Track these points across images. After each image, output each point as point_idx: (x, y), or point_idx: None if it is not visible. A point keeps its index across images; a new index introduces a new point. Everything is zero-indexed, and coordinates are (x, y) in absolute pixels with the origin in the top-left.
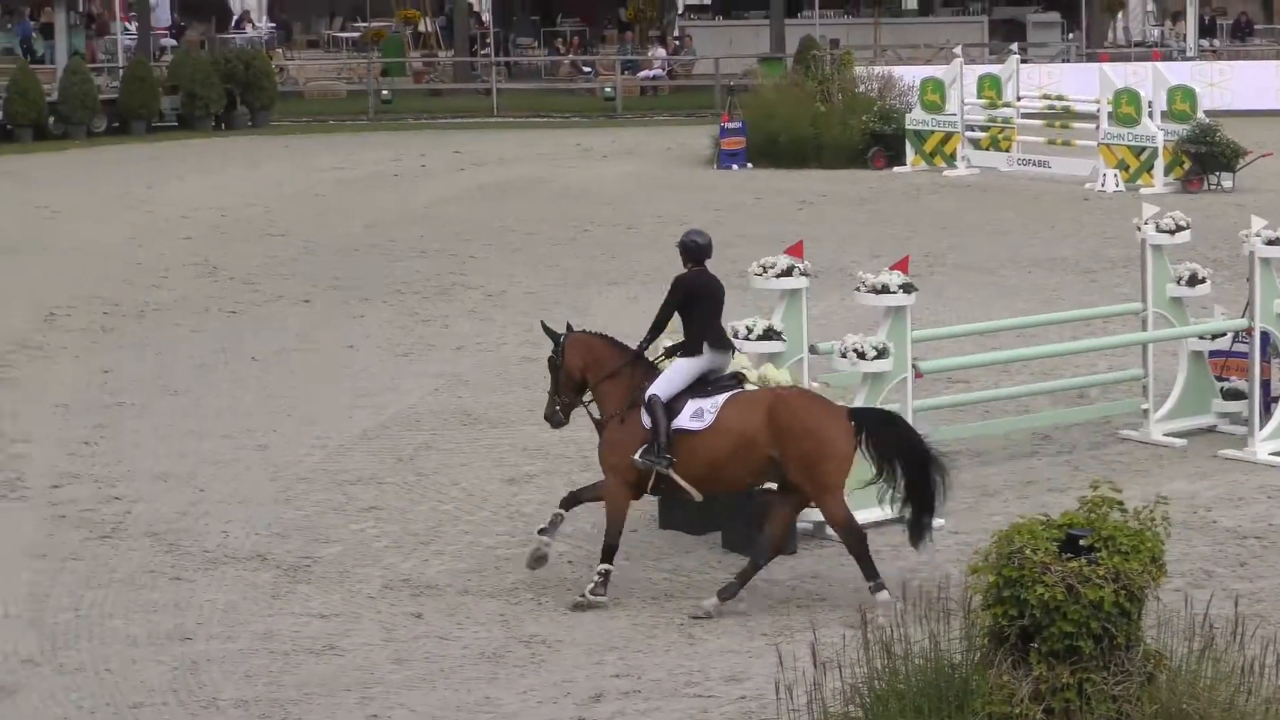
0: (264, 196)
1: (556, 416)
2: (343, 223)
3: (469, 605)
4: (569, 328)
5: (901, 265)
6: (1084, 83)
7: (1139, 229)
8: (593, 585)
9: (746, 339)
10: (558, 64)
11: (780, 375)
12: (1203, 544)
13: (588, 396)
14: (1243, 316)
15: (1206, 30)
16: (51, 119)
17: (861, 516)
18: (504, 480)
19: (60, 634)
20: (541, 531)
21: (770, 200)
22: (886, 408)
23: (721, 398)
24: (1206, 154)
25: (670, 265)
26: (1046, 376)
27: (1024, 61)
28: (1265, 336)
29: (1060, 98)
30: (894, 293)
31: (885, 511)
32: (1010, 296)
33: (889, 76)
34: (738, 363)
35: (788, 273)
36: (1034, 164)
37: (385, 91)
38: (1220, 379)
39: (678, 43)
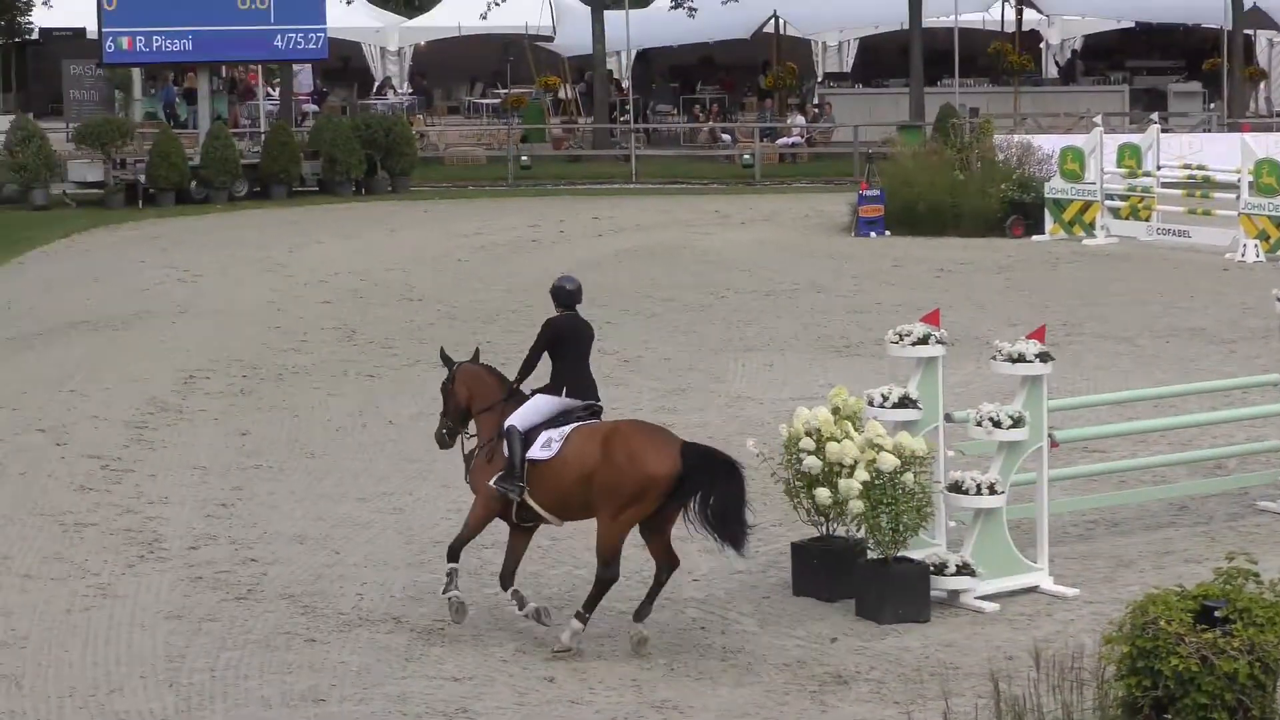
0: (403, 261)
1: (443, 438)
2: (482, 288)
3: (601, 670)
4: (475, 355)
5: (1038, 334)
6: (1225, 152)
7: (1278, 300)
8: (446, 584)
9: (882, 406)
10: (697, 131)
11: (915, 444)
12: None
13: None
14: None
15: None
16: (193, 183)
17: (1003, 585)
18: (637, 545)
19: (195, 694)
20: (445, 590)
21: (908, 268)
22: (721, 451)
23: (569, 428)
24: None
25: (808, 332)
26: (1184, 447)
27: (1164, 131)
28: None
29: (1201, 167)
30: (1030, 361)
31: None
32: (1148, 366)
33: (1028, 145)
34: (872, 430)
35: (924, 340)
36: (1174, 233)
37: (525, 157)
38: None
39: (817, 110)
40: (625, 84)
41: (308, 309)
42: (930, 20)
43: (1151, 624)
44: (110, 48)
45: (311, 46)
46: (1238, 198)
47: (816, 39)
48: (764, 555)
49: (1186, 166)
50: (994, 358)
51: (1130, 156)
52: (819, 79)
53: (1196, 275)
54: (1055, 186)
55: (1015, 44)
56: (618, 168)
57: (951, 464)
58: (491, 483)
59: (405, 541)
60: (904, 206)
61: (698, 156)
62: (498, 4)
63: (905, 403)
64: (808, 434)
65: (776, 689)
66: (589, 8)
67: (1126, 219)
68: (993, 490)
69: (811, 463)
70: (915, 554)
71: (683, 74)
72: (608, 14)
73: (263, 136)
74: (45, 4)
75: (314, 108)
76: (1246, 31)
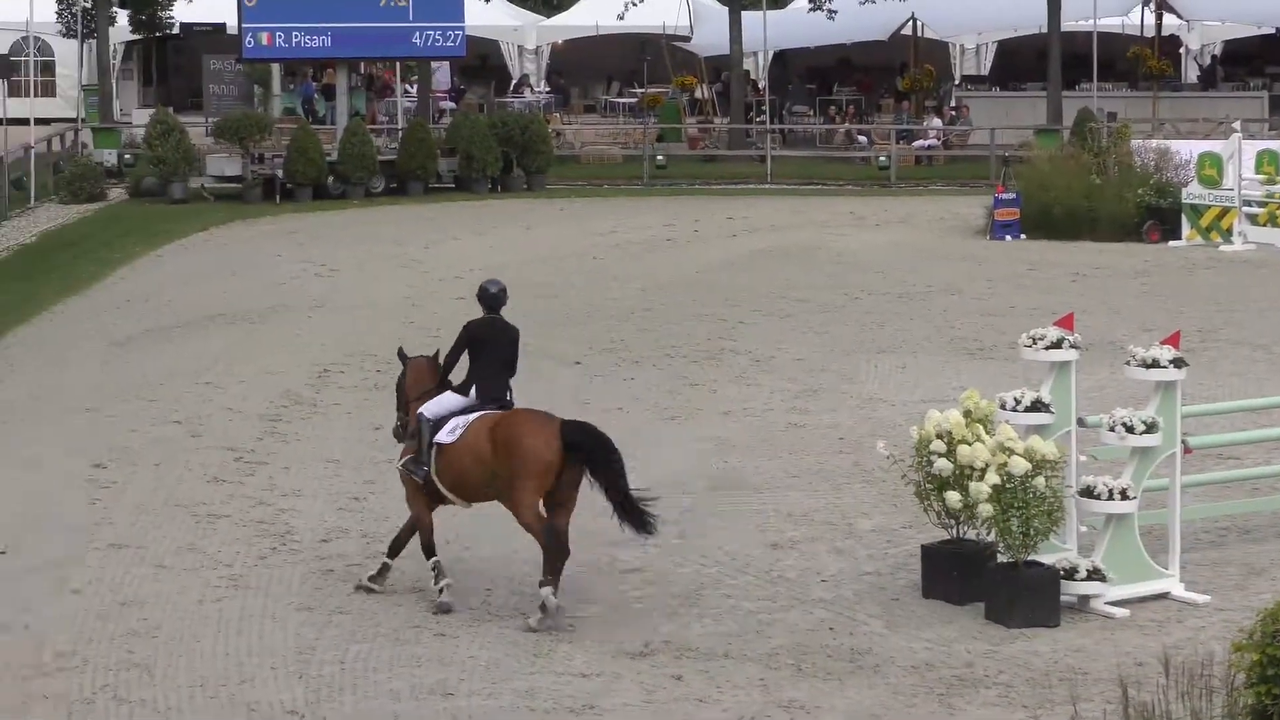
0: (538, 258)
1: (398, 432)
2: (616, 286)
3: (729, 669)
4: (436, 355)
5: (1173, 340)
6: None
7: None
8: (433, 579)
9: (1015, 410)
10: (833, 132)
11: (1047, 448)
12: None
13: None
14: None
15: None
16: (330, 179)
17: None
18: (767, 545)
19: (325, 686)
20: (371, 579)
21: (1043, 271)
22: (596, 427)
23: (473, 416)
24: None
25: (941, 335)
26: None
27: None
28: None
29: None
30: (1165, 367)
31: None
32: None
33: (1165, 150)
34: (1004, 433)
35: (1057, 345)
36: None
37: (660, 157)
38: None
39: (954, 113)
40: (762, 84)
41: (442, 305)
42: (1069, 24)
43: None
44: (250, 43)
45: (450, 44)
46: None
47: (954, 41)
48: (893, 557)
49: None
50: (1128, 363)
51: (1269, 163)
52: (956, 81)
53: None
54: (1192, 192)
55: (1154, 49)
56: (753, 168)
57: (1083, 469)
58: (398, 464)
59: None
60: (1040, 210)
61: (833, 158)
62: (635, 4)
63: (1037, 407)
64: (939, 436)
65: (904, 691)
66: (726, 8)
67: (1264, 225)
68: (1125, 496)
69: (942, 465)
70: (1045, 558)
71: (819, 75)
72: (745, 14)
73: (400, 133)
74: None
75: (451, 105)
76: None
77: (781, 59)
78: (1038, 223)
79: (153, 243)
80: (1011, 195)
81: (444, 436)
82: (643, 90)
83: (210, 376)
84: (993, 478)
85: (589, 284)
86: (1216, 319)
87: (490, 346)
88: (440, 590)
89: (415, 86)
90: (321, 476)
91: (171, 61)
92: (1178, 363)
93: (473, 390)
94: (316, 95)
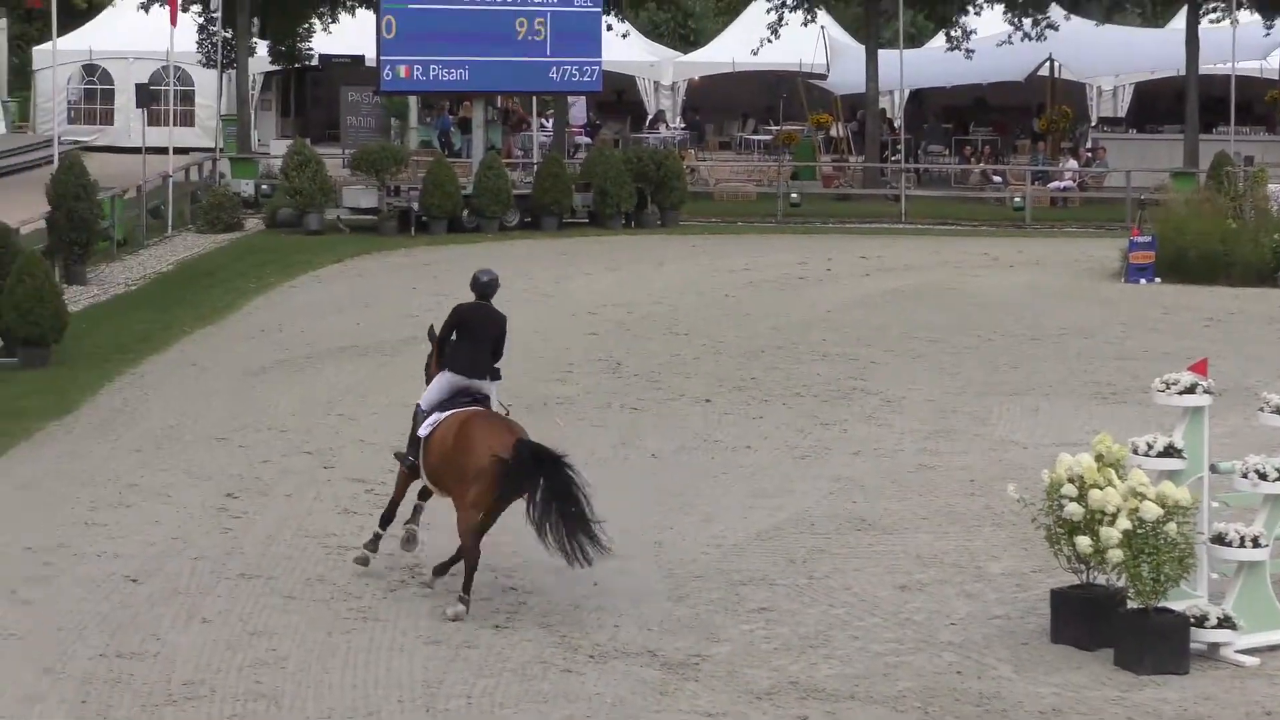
0: (670, 295)
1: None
2: (747, 323)
3: (855, 710)
4: None
5: None
6: None
7: None
8: (370, 539)
9: (1147, 455)
10: (968, 172)
11: (1179, 494)
12: None
13: None
14: None
15: None
16: (465, 212)
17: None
18: (895, 587)
19: None
20: (407, 523)
21: (1177, 316)
22: (551, 449)
23: (448, 413)
24: None
25: (1074, 378)
26: None
27: None
28: None
29: None
30: None
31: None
32: None
33: None
34: (1136, 478)
35: (1190, 390)
36: None
37: (794, 194)
38: None
39: (1090, 154)
40: (897, 123)
41: (573, 340)
42: (1207, 67)
43: None
44: (388, 76)
45: (586, 79)
46: None
47: (1091, 83)
48: (1023, 601)
49: None
50: (1262, 409)
51: None
52: (1093, 123)
53: None
54: None
55: None
56: (887, 207)
57: (1215, 515)
58: (395, 452)
59: (664, 574)
60: (1175, 253)
61: (968, 198)
62: (771, 41)
63: (1170, 452)
64: (1070, 480)
65: None
66: (863, 46)
67: None
68: (1256, 543)
69: (1073, 509)
70: (1176, 605)
71: (955, 114)
72: (882, 53)
73: (535, 167)
74: (326, 31)
75: (587, 140)
76: None
77: (918, 98)
78: (1172, 266)
79: (288, 273)
80: (1147, 238)
81: (424, 430)
82: (778, 127)
83: (342, 408)
84: (1124, 523)
85: (720, 321)
86: None
87: (474, 329)
88: (365, 547)
89: (550, 121)
90: (450, 509)
91: (309, 93)
92: None
93: (451, 365)
94: (453, 128)
